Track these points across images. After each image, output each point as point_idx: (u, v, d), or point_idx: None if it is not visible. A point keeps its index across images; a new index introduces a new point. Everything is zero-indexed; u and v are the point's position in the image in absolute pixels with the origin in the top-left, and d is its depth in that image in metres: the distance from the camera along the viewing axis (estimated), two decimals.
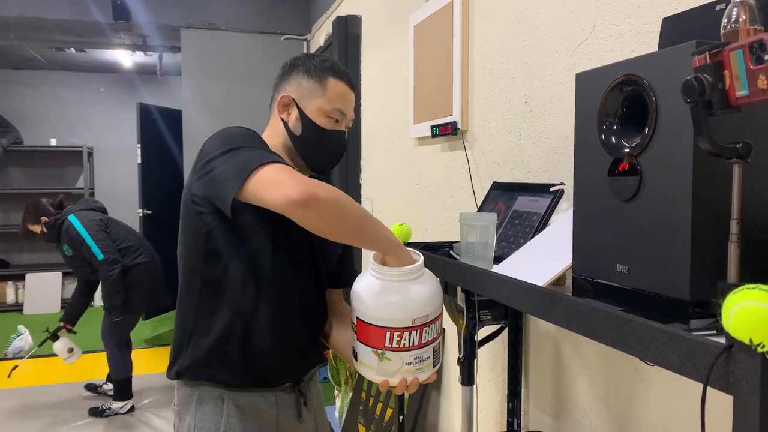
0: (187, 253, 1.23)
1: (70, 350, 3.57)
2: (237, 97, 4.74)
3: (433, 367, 1.12)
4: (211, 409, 1.20)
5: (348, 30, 3.28)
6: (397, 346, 1.06)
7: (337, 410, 3.10)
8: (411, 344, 1.06)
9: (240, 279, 1.19)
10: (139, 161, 5.18)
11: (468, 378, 1.77)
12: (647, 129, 0.82)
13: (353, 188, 3.35)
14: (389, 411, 2.60)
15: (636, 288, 0.85)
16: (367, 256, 3.59)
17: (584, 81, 0.96)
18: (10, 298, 6.34)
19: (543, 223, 1.31)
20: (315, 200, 0.99)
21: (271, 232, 1.21)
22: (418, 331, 1.06)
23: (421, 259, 1.12)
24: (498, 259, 1.35)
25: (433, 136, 2.16)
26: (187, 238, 1.22)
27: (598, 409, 1.41)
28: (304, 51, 4.71)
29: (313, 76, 1.25)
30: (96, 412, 3.58)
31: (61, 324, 3.59)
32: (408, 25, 2.48)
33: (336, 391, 3.16)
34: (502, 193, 1.58)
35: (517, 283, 1.02)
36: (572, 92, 1.46)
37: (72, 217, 3.42)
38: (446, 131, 2.05)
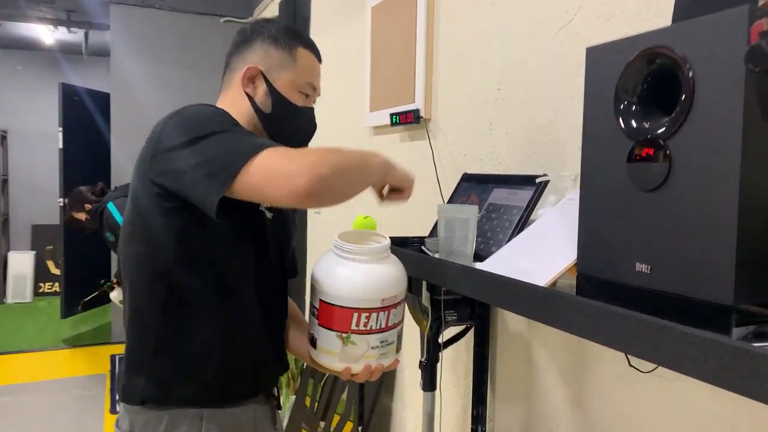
0: (148, 255, 1.03)
1: (121, 301, 3.49)
2: (171, 81, 4.44)
3: (397, 352, 1.08)
4: (186, 430, 1.03)
5: (296, 12, 3.09)
6: (364, 328, 1.00)
7: None
8: (378, 326, 1.01)
9: (221, 285, 1.04)
10: (61, 146, 4.77)
11: (430, 383, 1.66)
12: (679, 108, 0.72)
13: None
14: (336, 417, 2.46)
15: (660, 290, 0.75)
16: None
17: (596, 56, 0.85)
18: None
19: (526, 216, 1.20)
20: (324, 182, 0.88)
21: (254, 228, 1.07)
22: (386, 312, 1.01)
23: (387, 240, 1.06)
24: (477, 257, 1.23)
25: (393, 124, 2.03)
26: (148, 238, 1.02)
27: (574, 417, 1.33)
28: None
29: (282, 46, 1.09)
30: None
31: (114, 281, 3.40)
32: (364, 6, 2.33)
33: None
34: (474, 185, 1.46)
35: (515, 283, 0.90)
36: (553, 79, 1.36)
37: (110, 205, 3.20)
38: (407, 120, 1.93)
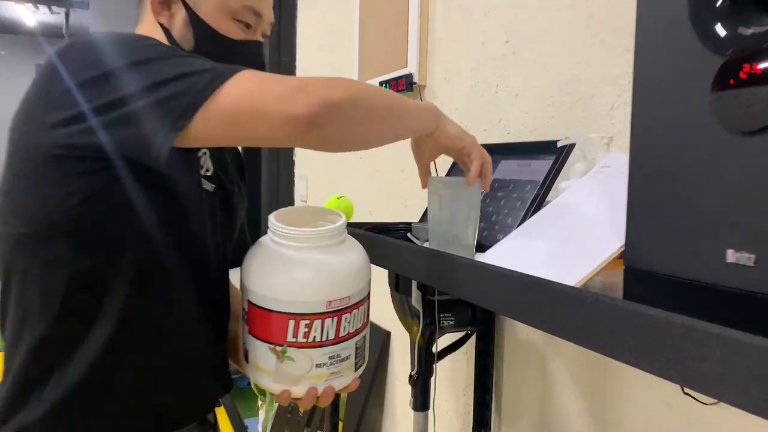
0: (35, 237, 0.73)
1: None
2: None
3: (356, 370, 0.79)
4: None
5: None
6: (305, 340, 0.72)
7: (260, 424, 2.66)
8: (324, 338, 0.73)
9: (138, 279, 0.74)
10: None
11: (422, 402, 1.37)
12: None
13: (284, 168, 2.89)
14: (325, 425, 2.19)
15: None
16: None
17: None
18: None
19: (544, 192, 0.91)
20: (334, 110, 0.63)
21: (186, 203, 0.78)
22: (335, 318, 0.73)
23: (343, 219, 0.78)
24: (479, 247, 0.95)
25: None
26: (31, 212, 0.72)
27: None
28: None
29: None
30: None
31: None
32: None
33: (259, 402, 2.72)
34: None
35: (531, 283, 0.61)
36: (578, 20, 1.07)
37: None
38: (399, 87, 1.64)
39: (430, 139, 0.81)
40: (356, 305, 0.75)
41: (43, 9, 4.77)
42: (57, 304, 0.73)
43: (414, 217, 1.34)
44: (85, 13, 4.47)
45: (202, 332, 0.84)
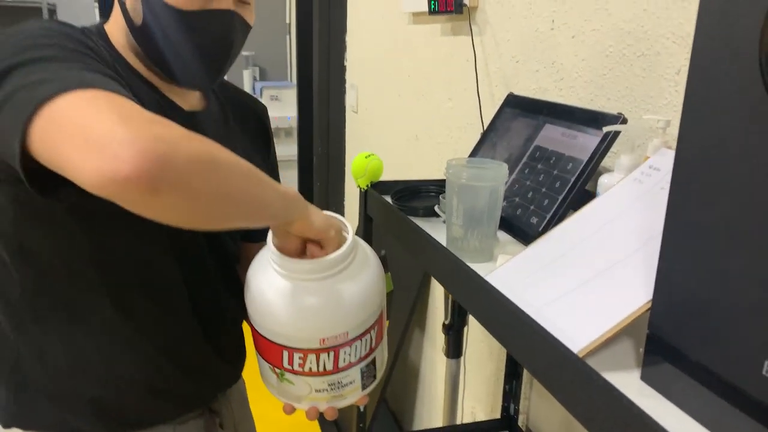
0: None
1: None
2: None
3: (363, 389, 0.75)
4: None
5: None
6: (300, 369, 0.69)
7: None
8: (321, 369, 0.68)
9: (85, 280, 0.72)
10: None
11: (455, 349, 1.37)
12: None
13: (335, 72, 2.77)
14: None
15: None
16: None
17: None
18: None
19: (584, 179, 0.81)
20: (167, 167, 0.46)
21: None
22: (332, 353, 0.67)
23: (350, 237, 0.67)
24: (507, 225, 0.88)
25: (431, 12, 1.57)
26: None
27: None
28: None
29: None
30: None
31: None
32: None
33: None
34: (520, 114, 1.06)
35: (534, 331, 0.54)
36: None
37: None
38: (448, 7, 1.47)
39: (292, 229, 0.63)
40: (359, 337, 0.68)
41: None
42: (12, 308, 0.73)
43: (459, 153, 1.25)
44: None
45: (195, 319, 0.81)
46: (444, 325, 1.35)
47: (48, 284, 0.71)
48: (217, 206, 0.52)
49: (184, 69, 0.73)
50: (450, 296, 1.33)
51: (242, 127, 0.89)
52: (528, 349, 0.56)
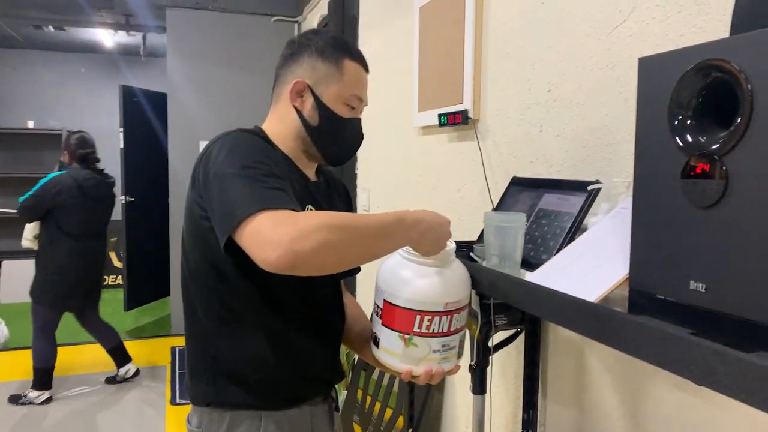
0: (198, 270, 1.10)
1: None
2: (224, 80, 4.55)
3: (458, 358, 1.09)
4: (246, 429, 1.10)
5: (345, 11, 3.11)
6: (426, 331, 1.01)
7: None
8: (440, 330, 1.02)
9: (268, 301, 1.09)
10: (122, 146, 4.97)
11: (480, 386, 1.66)
12: (737, 123, 0.69)
13: (348, 178, 3.21)
14: (389, 411, 2.48)
15: (714, 309, 0.73)
16: None
17: (650, 67, 0.83)
18: None
19: (578, 224, 1.18)
20: (298, 258, 0.85)
21: None
22: (449, 316, 1.03)
23: (453, 245, 1.07)
24: (526, 263, 1.23)
25: (441, 125, 2.02)
26: (198, 255, 1.09)
27: (627, 425, 1.30)
28: (296, 34, 4.53)
29: (328, 59, 1.11)
30: (14, 399, 3.53)
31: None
32: (412, 6, 2.33)
33: None
34: (523, 189, 1.45)
35: (563, 297, 0.89)
36: (606, 80, 1.33)
37: (54, 174, 3.49)
38: (456, 120, 1.92)
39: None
40: (463, 308, 1.05)
41: (122, 33, 5.23)
42: (215, 318, 1.10)
43: (473, 234, 1.62)
44: (162, 36, 4.90)
45: (315, 337, 1.16)
46: (470, 365, 1.65)
47: (248, 305, 1.08)
48: (348, 258, 0.93)
49: (338, 153, 1.16)
50: (476, 340, 1.64)
51: (336, 192, 1.28)
52: (560, 309, 0.90)
